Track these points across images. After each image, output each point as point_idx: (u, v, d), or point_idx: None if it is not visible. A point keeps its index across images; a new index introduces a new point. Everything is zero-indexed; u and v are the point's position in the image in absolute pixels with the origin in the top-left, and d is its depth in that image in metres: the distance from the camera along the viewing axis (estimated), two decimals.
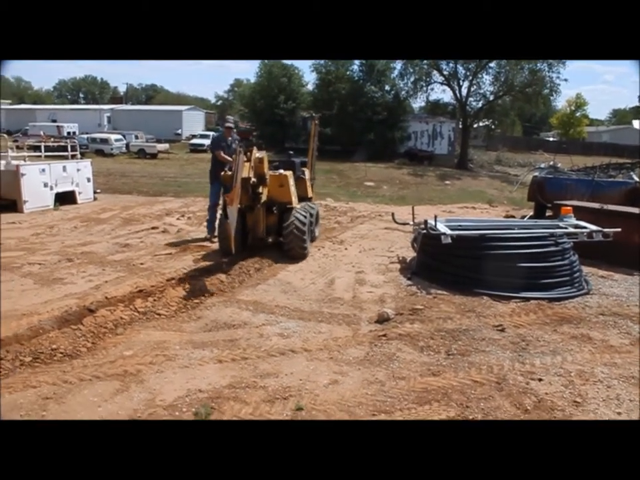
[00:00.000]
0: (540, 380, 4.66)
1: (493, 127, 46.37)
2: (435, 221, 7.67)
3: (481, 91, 40.12)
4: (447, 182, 31.87)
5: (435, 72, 40.74)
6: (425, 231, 7.71)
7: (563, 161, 22.32)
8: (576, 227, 8.01)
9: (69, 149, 15.28)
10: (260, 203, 7.97)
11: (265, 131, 46.00)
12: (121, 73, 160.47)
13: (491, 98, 40.01)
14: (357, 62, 43.83)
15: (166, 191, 19.26)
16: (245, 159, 7.32)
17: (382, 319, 6.02)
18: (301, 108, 46.50)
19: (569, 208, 8.53)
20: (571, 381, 4.65)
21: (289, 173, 8.80)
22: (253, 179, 7.62)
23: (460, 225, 8.07)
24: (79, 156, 15.79)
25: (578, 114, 64.29)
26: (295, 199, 8.81)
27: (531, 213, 13.09)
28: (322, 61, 43.94)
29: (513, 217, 13.79)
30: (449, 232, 7.22)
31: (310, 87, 47.48)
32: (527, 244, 7.16)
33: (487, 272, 7.06)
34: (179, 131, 53.42)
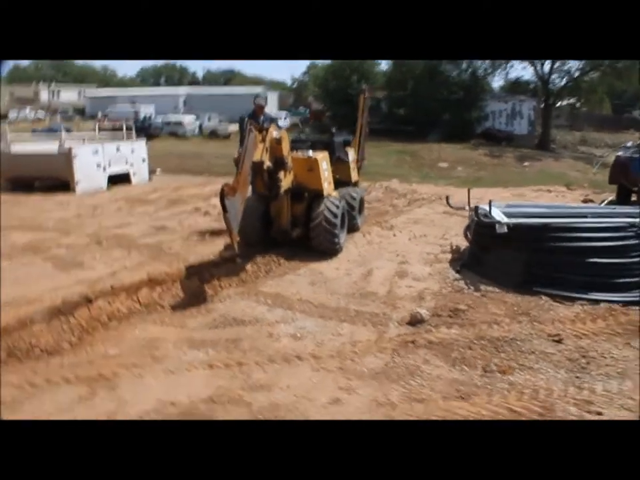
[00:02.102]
0: (599, 414, 3.63)
1: (578, 105, 43.09)
2: (490, 206, 6.60)
3: (565, 68, 37.18)
4: (526, 164, 30.09)
5: None
6: (478, 218, 6.69)
7: None
8: None
9: (124, 129, 15.17)
10: (278, 191, 6.76)
11: (337, 111, 45.13)
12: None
13: (577, 75, 37.04)
14: None
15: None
16: (260, 139, 6.24)
17: (415, 321, 5.13)
18: (374, 88, 45.31)
19: None
20: None
21: (320, 156, 7.60)
22: (268, 164, 6.39)
23: (521, 212, 6.97)
24: (134, 136, 15.67)
25: None
26: (327, 186, 7.62)
27: (612, 197, 11.57)
28: None
29: (592, 201, 12.25)
30: (504, 220, 6.17)
31: (383, 66, 46.19)
32: (599, 235, 5.99)
33: (549, 267, 5.99)
34: None
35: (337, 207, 7.38)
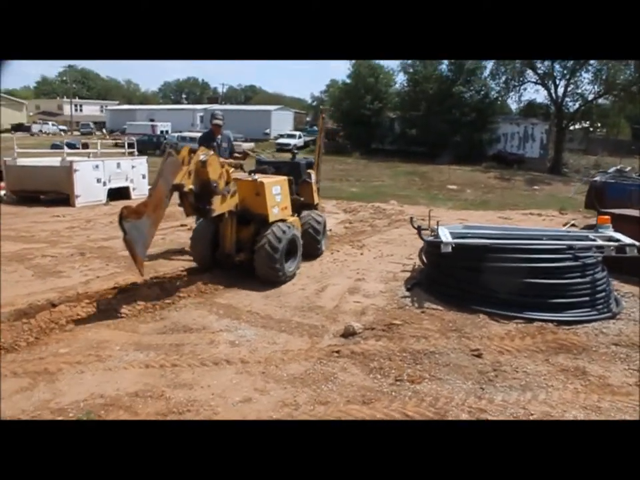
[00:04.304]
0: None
1: (591, 129, 43.12)
2: (438, 226, 6.98)
3: (579, 91, 37.48)
4: (536, 187, 30.24)
5: (528, 71, 38.65)
6: (430, 238, 7.06)
7: None
8: (609, 239, 6.98)
9: (126, 146, 15.85)
10: (209, 215, 6.60)
11: (351, 131, 45.98)
12: (222, 74, 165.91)
13: (590, 98, 37.23)
14: (445, 61, 42.57)
15: None
16: (184, 162, 5.99)
17: (347, 333, 5.50)
18: (388, 108, 45.97)
19: (606, 217, 7.46)
20: None
21: (270, 180, 7.40)
22: (190, 187, 6.15)
23: (474, 233, 7.31)
24: (136, 153, 16.33)
25: None
26: (276, 212, 7.35)
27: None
28: (409, 61, 43.10)
29: (575, 226, 12.50)
30: (448, 240, 6.53)
31: (397, 86, 46.85)
32: (536, 257, 6.31)
33: (489, 287, 6.31)
34: (268, 131, 54.51)
35: (284, 233, 7.13)
